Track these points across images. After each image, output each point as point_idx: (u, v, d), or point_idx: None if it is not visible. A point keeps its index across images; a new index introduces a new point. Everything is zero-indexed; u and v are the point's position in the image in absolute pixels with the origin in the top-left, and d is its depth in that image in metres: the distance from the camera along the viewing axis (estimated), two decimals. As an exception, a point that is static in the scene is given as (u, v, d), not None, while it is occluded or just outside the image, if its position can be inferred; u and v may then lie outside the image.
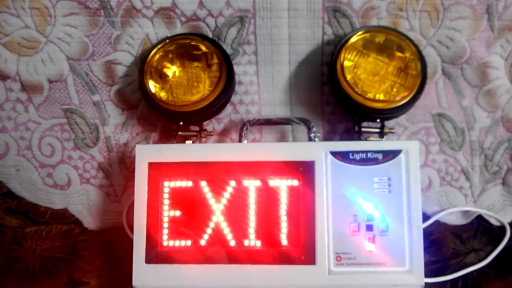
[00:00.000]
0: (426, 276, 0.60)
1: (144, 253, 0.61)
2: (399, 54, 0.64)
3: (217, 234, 0.61)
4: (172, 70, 0.66)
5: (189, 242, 0.61)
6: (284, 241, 0.60)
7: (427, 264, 0.60)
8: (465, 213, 0.71)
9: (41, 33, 0.68)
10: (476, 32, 0.67)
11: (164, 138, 0.71)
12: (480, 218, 0.71)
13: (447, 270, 0.69)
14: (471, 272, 0.69)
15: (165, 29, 0.68)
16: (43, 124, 0.71)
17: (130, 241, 0.62)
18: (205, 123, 0.68)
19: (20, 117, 0.70)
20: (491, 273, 0.70)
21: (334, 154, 0.61)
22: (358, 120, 0.66)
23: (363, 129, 0.66)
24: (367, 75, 0.64)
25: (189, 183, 0.62)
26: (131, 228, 0.66)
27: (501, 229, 0.71)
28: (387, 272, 0.59)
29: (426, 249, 0.61)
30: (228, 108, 0.69)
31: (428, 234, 0.70)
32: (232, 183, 0.61)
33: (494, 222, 0.71)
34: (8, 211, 0.73)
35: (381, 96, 0.63)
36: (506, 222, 0.70)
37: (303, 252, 0.60)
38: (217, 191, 0.61)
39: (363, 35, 0.64)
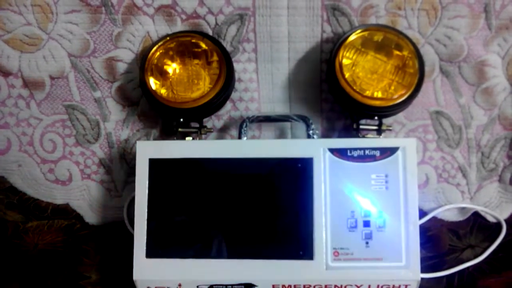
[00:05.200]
0: (423, 271, 0.61)
1: (145, 248, 0.61)
2: (397, 52, 0.64)
3: (217, 229, 0.62)
4: (172, 67, 0.66)
5: (189, 237, 0.62)
6: (282, 236, 0.61)
7: (424, 260, 0.61)
8: (462, 209, 0.72)
9: (43, 30, 0.69)
10: (474, 31, 0.68)
11: (164, 135, 0.71)
12: (476, 214, 0.72)
13: (444, 266, 0.70)
14: (467, 268, 0.70)
15: (165, 27, 0.68)
16: (45, 120, 0.71)
17: (131, 236, 0.63)
18: (205, 119, 0.69)
19: (22, 113, 0.71)
20: (487, 268, 0.71)
21: (332, 151, 0.62)
22: (356, 117, 0.66)
23: (361, 127, 0.66)
24: (365, 73, 0.64)
25: (189, 179, 0.62)
26: (131, 223, 0.67)
27: (497, 226, 0.71)
28: (383, 267, 0.60)
29: (423, 245, 0.62)
30: (228, 105, 0.70)
31: (425, 230, 0.70)
32: (232, 179, 0.62)
33: (490, 218, 0.72)
34: (10, 206, 0.74)
35: (379, 94, 0.64)
36: (502, 218, 0.71)
37: (301, 247, 0.60)
38: (217, 187, 0.62)
39: (361, 34, 0.64)
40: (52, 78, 0.70)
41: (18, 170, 0.73)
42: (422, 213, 0.70)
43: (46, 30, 0.68)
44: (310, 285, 0.61)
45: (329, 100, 0.70)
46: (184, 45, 0.66)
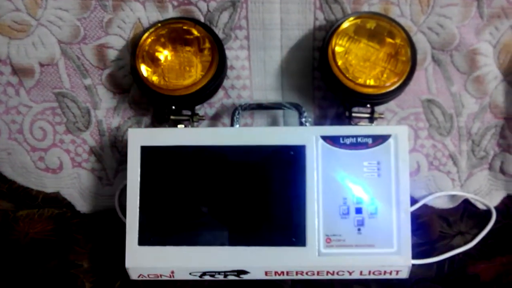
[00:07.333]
0: (414, 257, 0.61)
1: (137, 235, 0.61)
2: (389, 40, 0.64)
3: (209, 216, 0.62)
4: (164, 54, 0.66)
5: (181, 224, 0.62)
6: (275, 223, 0.61)
7: (414, 246, 0.62)
8: (452, 197, 0.72)
9: (32, 16, 0.67)
10: (466, 19, 0.68)
11: (156, 122, 0.71)
12: (467, 202, 0.72)
13: (434, 252, 0.71)
14: (458, 254, 0.71)
15: (157, 13, 0.68)
16: (35, 108, 0.70)
17: (122, 224, 0.63)
18: (197, 107, 0.69)
19: (11, 101, 0.70)
20: (476, 255, 0.72)
21: (325, 138, 0.62)
22: (349, 105, 0.67)
23: (353, 114, 0.66)
24: (358, 61, 0.64)
25: (181, 167, 0.62)
26: (123, 211, 0.67)
27: (487, 213, 0.72)
28: (375, 253, 0.60)
29: (414, 231, 0.63)
30: (220, 93, 0.70)
31: (416, 217, 0.71)
32: (224, 166, 0.62)
33: (480, 206, 0.72)
34: (0, 194, 0.73)
35: (371, 82, 0.64)
36: (492, 206, 0.71)
37: (293, 234, 0.61)
38: (209, 174, 0.62)
39: (354, 21, 0.64)
40: (41, 65, 0.69)
41: (8, 158, 0.72)
42: (413, 201, 0.70)
43: (35, 16, 0.67)
44: (302, 272, 0.62)
45: (321, 88, 0.70)
46: (176, 31, 0.65)
